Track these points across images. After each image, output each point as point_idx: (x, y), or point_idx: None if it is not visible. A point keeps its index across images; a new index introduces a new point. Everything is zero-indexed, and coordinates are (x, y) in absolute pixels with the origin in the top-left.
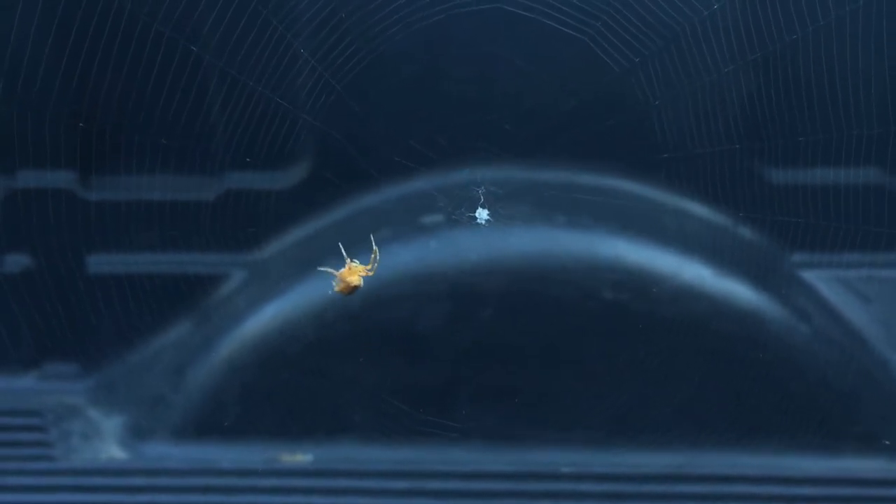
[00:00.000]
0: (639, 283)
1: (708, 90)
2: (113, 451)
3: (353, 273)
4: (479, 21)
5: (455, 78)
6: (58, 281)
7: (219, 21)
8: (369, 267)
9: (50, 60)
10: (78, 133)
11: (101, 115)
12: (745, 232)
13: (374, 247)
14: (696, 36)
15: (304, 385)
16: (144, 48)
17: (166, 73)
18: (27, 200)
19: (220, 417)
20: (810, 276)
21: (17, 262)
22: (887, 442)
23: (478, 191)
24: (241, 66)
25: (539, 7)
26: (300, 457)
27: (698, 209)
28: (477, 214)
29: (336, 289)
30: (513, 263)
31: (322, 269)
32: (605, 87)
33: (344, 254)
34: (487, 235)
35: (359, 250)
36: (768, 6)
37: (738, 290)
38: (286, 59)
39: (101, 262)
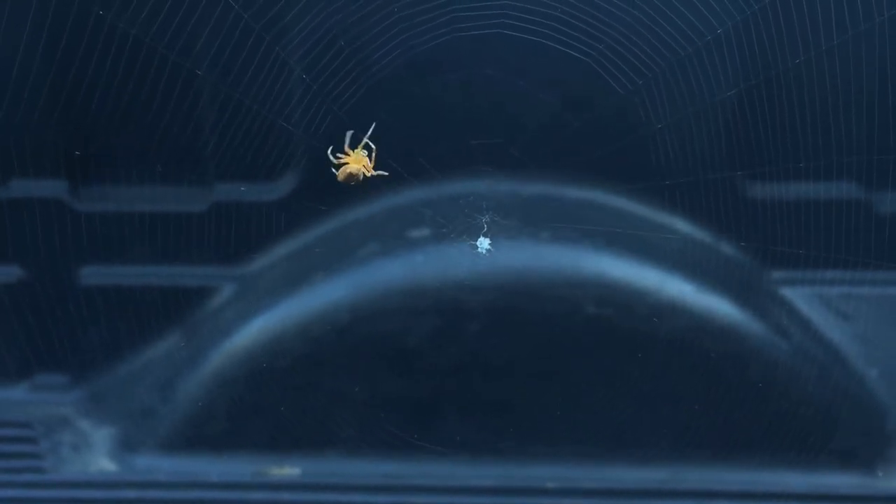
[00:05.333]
0: (622, 299)
1: (711, 113)
2: (102, 463)
3: (358, 161)
4: (483, 43)
5: (458, 100)
6: (48, 292)
7: (224, 45)
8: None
9: (41, 70)
10: (69, 143)
11: (92, 125)
12: (727, 249)
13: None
14: (700, 59)
15: (293, 399)
16: (137, 60)
17: (160, 86)
18: (17, 211)
19: (209, 430)
20: (790, 293)
21: (8, 272)
22: (881, 473)
23: (481, 220)
24: (240, 86)
25: (543, 29)
26: (288, 470)
27: (682, 226)
28: (478, 244)
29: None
30: (500, 278)
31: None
32: (609, 109)
33: (347, 141)
34: (476, 250)
35: (347, 264)
36: (773, 31)
37: (719, 307)
38: (290, 83)
39: (91, 274)
